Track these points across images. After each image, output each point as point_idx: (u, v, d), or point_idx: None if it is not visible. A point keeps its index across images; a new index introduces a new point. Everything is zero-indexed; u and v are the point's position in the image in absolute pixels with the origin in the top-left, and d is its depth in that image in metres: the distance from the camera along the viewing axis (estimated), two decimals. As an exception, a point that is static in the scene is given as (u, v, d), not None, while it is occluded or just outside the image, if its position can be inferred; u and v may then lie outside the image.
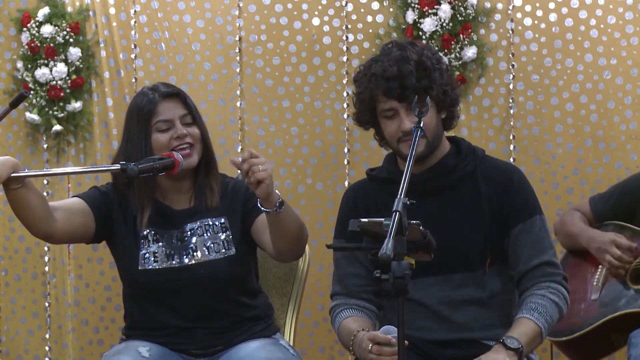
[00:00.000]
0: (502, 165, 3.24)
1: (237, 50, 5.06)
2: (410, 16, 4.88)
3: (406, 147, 3.06)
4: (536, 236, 3.13)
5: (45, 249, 5.11)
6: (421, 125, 2.88)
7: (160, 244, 3.26)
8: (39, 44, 5.01)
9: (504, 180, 3.16)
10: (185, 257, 3.26)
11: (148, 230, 3.26)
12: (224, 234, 3.27)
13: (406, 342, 2.81)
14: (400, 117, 3.08)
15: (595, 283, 3.84)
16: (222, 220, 3.28)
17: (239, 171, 3.00)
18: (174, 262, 3.25)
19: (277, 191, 3.01)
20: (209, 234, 3.27)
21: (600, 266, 3.85)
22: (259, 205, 3.03)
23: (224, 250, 3.26)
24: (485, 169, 3.18)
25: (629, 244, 3.73)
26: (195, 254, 3.26)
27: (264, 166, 2.93)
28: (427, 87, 3.07)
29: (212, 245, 3.26)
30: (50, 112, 5.04)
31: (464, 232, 3.12)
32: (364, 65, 3.16)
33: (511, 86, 4.91)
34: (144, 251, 3.26)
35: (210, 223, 3.28)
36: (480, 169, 3.17)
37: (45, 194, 5.05)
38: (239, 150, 5.02)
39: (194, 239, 3.27)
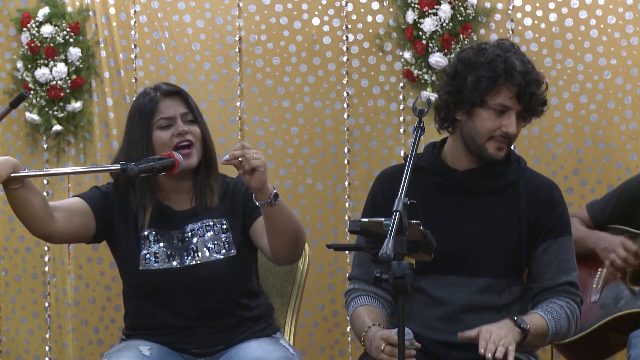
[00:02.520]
0: (544, 180, 3.23)
1: (237, 50, 5.06)
2: (410, 16, 4.88)
3: (494, 147, 3.07)
4: (564, 256, 3.15)
5: (45, 249, 5.11)
6: (421, 125, 2.89)
7: (161, 244, 3.26)
8: (39, 44, 5.01)
9: (545, 195, 3.16)
10: (186, 257, 3.25)
11: (149, 231, 3.26)
12: (225, 235, 3.27)
13: (419, 344, 2.82)
14: (510, 119, 3.05)
15: (595, 285, 3.84)
16: (224, 221, 3.28)
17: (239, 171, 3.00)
18: (174, 262, 3.25)
19: (270, 185, 3.02)
20: (210, 235, 3.27)
21: (599, 269, 3.85)
22: (254, 199, 3.03)
23: (224, 251, 3.26)
24: (528, 180, 3.17)
25: (637, 248, 3.73)
26: (196, 254, 3.25)
27: (257, 154, 2.94)
28: (545, 102, 3.10)
29: (213, 246, 3.26)
30: (50, 112, 5.04)
31: (497, 238, 3.11)
32: (484, 52, 3.06)
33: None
34: (144, 251, 3.26)
35: (212, 224, 3.28)
36: (522, 179, 3.17)
37: (45, 194, 5.05)
38: (239, 150, 5.01)
39: (194, 240, 3.26)
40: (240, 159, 2.94)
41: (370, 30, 4.99)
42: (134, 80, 5.10)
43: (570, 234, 3.18)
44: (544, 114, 3.16)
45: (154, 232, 3.26)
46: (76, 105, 5.05)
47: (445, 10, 4.83)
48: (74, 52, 5.03)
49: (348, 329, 4.90)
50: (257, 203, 3.03)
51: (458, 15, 4.86)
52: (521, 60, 3.05)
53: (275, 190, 3.02)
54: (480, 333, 2.94)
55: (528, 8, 4.90)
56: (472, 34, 4.85)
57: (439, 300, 3.11)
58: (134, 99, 3.33)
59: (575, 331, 3.19)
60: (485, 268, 3.10)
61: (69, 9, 5.09)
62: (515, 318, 3.01)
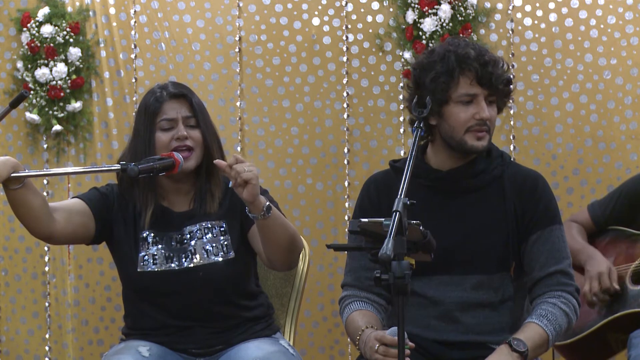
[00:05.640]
0: (528, 172, 3.23)
1: (237, 50, 5.06)
2: (410, 16, 4.88)
3: (473, 138, 3.07)
4: (554, 245, 3.13)
5: (45, 249, 5.11)
6: (421, 125, 2.89)
7: (160, 246, 3.26)
8: (39, 44, 5.01)
9: (529, 186, 3.16)
10: (184, 259, 3.25)
11: (148, 232, 3.26)
12: (224, 237, 3.27)
13: (412, 344, 2.82)
14: (480, 105, 3.05)
15: (595, 286, 3.84)
16: (222, 224, 3.28)
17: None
18: (172, 264, 3.25)
19: (263, 197, 3.02)
20: (208, 237, 3.26)
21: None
22: (247, 211, 3.03)
23: (222, 254, 3.25)
24: (512, 174, 3.18)
25: (609, 286, 3.72)
26: (194, 256, 3.25)
27: (249, 167, 2.94)
28: (509, 82, 3.11)
29: (211, 248, 3.26)
30: (50, 112, 5.04)
31: (485, 235, 3.11)
32: (435, 53, 3.08)
33: (511, 86, 4.90)
34: (143, 253, 3.25)
35: (210, 226, 3.27)
36: (506, 174, 3.17)
37: (45, 194, 5.05)
38: (239, 150, 5.02)
39: (193, 242, 3.26)
40: (232, 171, 2.93)
41: (370, 30, 4.99)
42: (134, 80, 5.10)
43: (560, 222, 3.17)
44: (512, 93, 3.16)
45: (152, 234, 3.26)
46: (76, 105, 5.06)
47: (445, 10, 4.84)
48: (74, 52, 5.04)
49: (348, 329, 4.90)
50: (249, 215, 3.03)
51: (458, 15, 4.86)
52: (473, 47, 3.06)
53: (268, 203, 3.01)
54: None
55: (528, 8, 4.90)
56: (472, 34, 4.86)
57: (433, 300, 3.11)
58: (144, 95, 3.34)
59: (576, 321, 3.17)
60: (477, 265, 3.10)
61: (69, 9, 5.09)
62: (511, 341, 2.98)
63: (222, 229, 3.27)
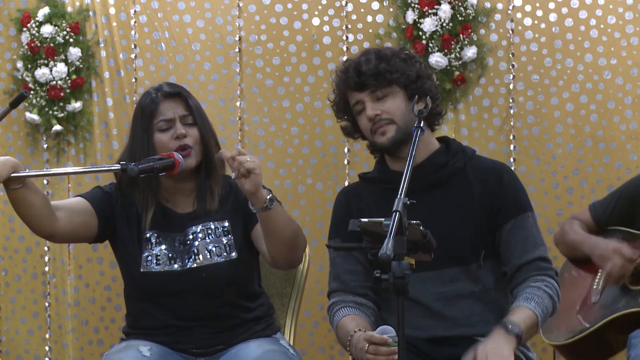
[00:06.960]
0: (493, 164, 3.26)
1: (237, 50, 5.06)
2: (410, 16, 4.88)
3: (378, 136, 3.14)
4: (529, 232, 3.15)
5: (45, 249, 5.11)
6: (421, 125, 2.89)
7: (163, 246, 3.26)
8: (39, 44, 5.01)
9: (495, 178, 3.18)
10: (187, 260, 3.25)
11: (151, 233, 3.26)
12: (226, 237, 3.27)
13: None
14: (366, 106, 3.14)
15: (595, 287, 3.84)
16: (225, 223, 3.28)
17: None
18: (176, 265, 3.25)
19: (266, 189, 3.03)
20: (211, 238, 3.27)
21: (600, 270, 3.85)
22: (249, 205, 3.03)
23: (225, 254, 3.26)
24: (476, 167, 3.21)
25: (631, 254, 3.72)
26: (197, 257, 3.25)
27: (252, 158, 2.96)
28: (386, 71, 3.12)
29: (214, 248, 3.26)
30: (50, 112, 5.04)
31: (455, 227, 3.13)
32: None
33: (511, 86, 4.91)
34: (146, 253, 3.26)
35: (213, 227, 3.28)
36: (470, 167, 3.19)
37: (45, 194, 5.05)
38: (239, 150, 5.02)
39: (196, 243, 3.26)
40: (235, 162, 2.95)
41: (370, 30, 4.99)
42: (134, 80, 5.10)
43: (531, 209, 3.19)
44: (403, 71, 3.17)
45: (155, 234, 3.27)
46: (76, 105, 5.06)
47: (445, 10, 4.83)
48: (74, 52, 5.04)
49: (348, 329, 4.90)
50: (252, 209, 3.03)
51: (458, 15, 4.86)
52: (349, 61, 3.19)
53: (271, 195, 3.02)
54: (477, 357, 2.94)
55: (528, 8, 4.90)
56: (472, 34, 4.85)
57: (416, 299, 3.12)
58: (139, 98, 3.34)
59: (559, 303, 3.16)
60: (451, 258, 3.11)
61: (69, 9, 5.09)
62: (506, 324, 2.99)
63: (225, 229, 3.28)
